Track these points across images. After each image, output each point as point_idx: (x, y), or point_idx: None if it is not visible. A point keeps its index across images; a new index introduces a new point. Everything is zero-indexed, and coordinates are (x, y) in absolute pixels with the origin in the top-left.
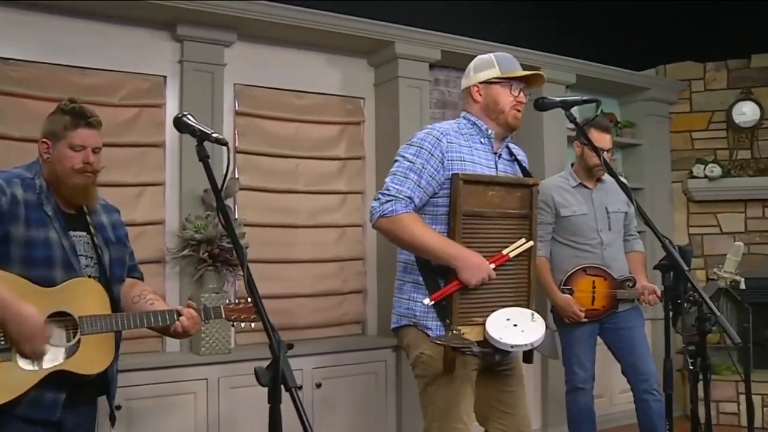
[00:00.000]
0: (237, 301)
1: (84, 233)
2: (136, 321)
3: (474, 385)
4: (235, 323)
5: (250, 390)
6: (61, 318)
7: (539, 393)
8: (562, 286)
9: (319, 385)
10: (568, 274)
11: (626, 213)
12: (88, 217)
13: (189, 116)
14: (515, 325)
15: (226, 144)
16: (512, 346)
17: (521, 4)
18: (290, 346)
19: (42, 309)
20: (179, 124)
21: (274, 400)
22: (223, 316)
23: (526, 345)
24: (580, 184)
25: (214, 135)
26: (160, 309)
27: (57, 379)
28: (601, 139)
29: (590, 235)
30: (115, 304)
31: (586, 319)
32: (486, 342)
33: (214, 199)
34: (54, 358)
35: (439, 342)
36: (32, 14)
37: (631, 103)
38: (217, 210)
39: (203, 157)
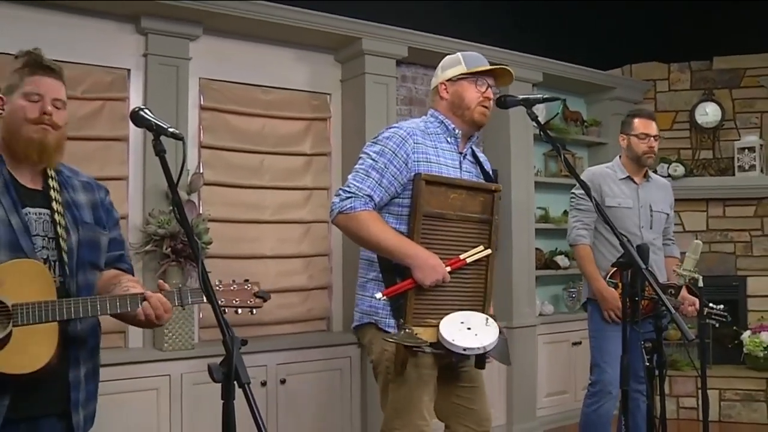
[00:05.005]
0: (232, 282)
1: (45, 210)
2: (87, 307)
3: (435, 383)
4: (226, 309)
5: (213, 386)
6: None
7: (504, 390)
8: (608, 279)
9: (283, 381)
10: (614, 269)
11: (668, 215)
12: (55, 192)
13: (146, 110)
14: (469, 329)
15: (182, 139)
16: (464, 349)
17: (488, 2)
18: (244, 342)
19: None
20: (136, 118)
21: (227, 396)
22: (204, 300)
23: (478, 348)
24: (628, 177)
25: (171, 129)
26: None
27: None
28: (647, 126)
29: (632, 230)
30: (67, 293)
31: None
32: (439, 344)
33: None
34: None
35: (391, 340)
36: None
37: (598, 102)
38: (172, 204)
39: (159, 152)
